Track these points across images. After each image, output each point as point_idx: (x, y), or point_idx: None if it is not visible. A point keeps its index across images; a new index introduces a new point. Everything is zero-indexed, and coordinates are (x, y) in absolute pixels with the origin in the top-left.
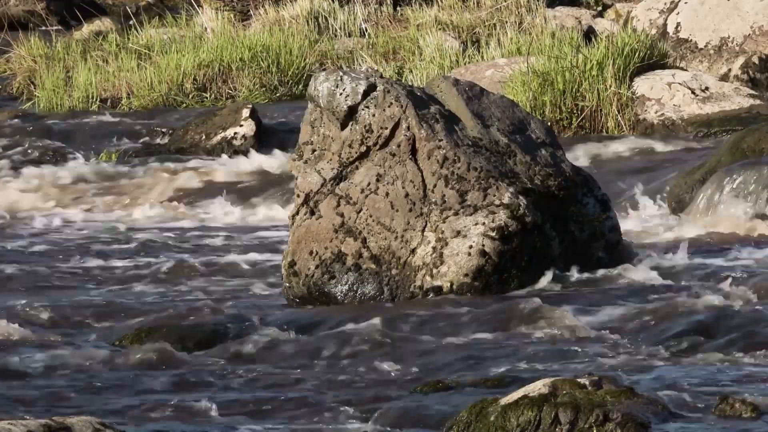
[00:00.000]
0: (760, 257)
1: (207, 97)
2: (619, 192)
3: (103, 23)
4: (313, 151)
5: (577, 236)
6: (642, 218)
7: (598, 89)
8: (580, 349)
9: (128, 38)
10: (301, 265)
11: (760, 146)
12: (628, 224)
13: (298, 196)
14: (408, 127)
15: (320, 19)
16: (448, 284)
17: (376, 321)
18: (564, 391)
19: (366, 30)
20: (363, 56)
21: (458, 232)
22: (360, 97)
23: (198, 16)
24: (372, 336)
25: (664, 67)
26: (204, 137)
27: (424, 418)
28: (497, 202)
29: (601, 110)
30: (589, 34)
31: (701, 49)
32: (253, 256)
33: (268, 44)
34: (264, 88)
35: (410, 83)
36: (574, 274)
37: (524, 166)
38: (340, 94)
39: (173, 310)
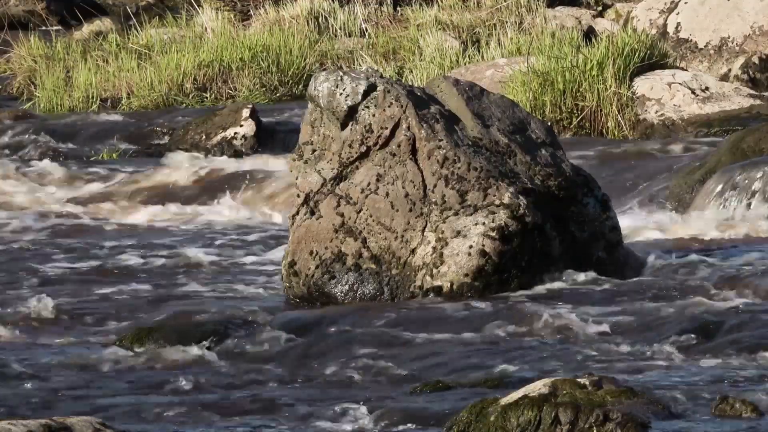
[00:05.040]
0: (760, 257)
1: (207, 97)
2: (620, 192)
3: (103, 23)
4: (313, 151)
5: (577, 236)
6: (642, 218)
7: (598, 89)
8: (580, 349)
9: (128, 38)
10: (301, 265)
11: (760, 146)
12: (629, 224)
13: (298, 196)
14: (408, 127)
15: (320, 19)
16: (448, 284)
17: (376, 321)
18: (564, 391)
19: (366, 30)
20: (363, 56)
21: (458, 232)
22: (360, 97)
23: (198, 16)
24: (372, 336)
25: (664, 67)
26: (204, 137)
27: (424, 418)
28: (497, 202)
29: (601, 110)
30: (589, 34)
31: (701, 49)
32: (253, 255)
33: (268, 44)
34: (264, 88)
35: (410, 83)
36: (575, 274)
37: (524, 166)
38: (340, 94)
39: (173, 310)
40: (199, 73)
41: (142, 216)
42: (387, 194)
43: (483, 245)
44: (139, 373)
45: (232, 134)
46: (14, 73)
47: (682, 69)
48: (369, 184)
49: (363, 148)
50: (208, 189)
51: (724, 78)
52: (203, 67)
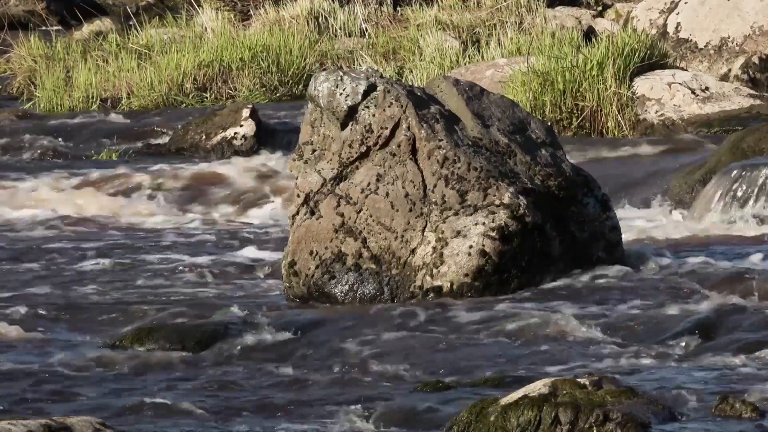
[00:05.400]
0: (760, 257)
1: (207, 97)
2: (620, 192)
3: (103, 23)
4: (313, 151)
5: (577, 236)
6: (642, 218)
7: (598, 89)
8: (580, 349)
9: (128, 38)
10: (301, 265)
11: (760, 146)
12: (629, 224)
13: (298, 196)
14: (408, 127)
15: (320, 19)
16: (448, 284)
17: (376, 321)
18: (564, 391)
19: (366, 30)
20: (363, 56)
21: (458, 232)
22: (360, 97)
23: (198, 16)
24: (372, 336)
25: (664, 67)
26: (204, 137)
27: (424, 418)
28: (497, 202)
29: (601, 110)
30: (589, 34)
31: (701, 49)
32: (253, 255)
33: (268, 44)
34: (264, 88)
35: (410, 83)
36: (575, 274)
37: (524, 166)
38: (341, 94)
39: (173, 310)
40: (199, 73)
41: (139, 216)
42: (387, 194)
43: (483, 245)
44: (139, 373)
45: (232, 134)
46: (14, 73)
47: (682, 69)
48: (369, 184)
49: (363, 148)
50: (207, 189)
51: (724, 78)
52: (203, 67)
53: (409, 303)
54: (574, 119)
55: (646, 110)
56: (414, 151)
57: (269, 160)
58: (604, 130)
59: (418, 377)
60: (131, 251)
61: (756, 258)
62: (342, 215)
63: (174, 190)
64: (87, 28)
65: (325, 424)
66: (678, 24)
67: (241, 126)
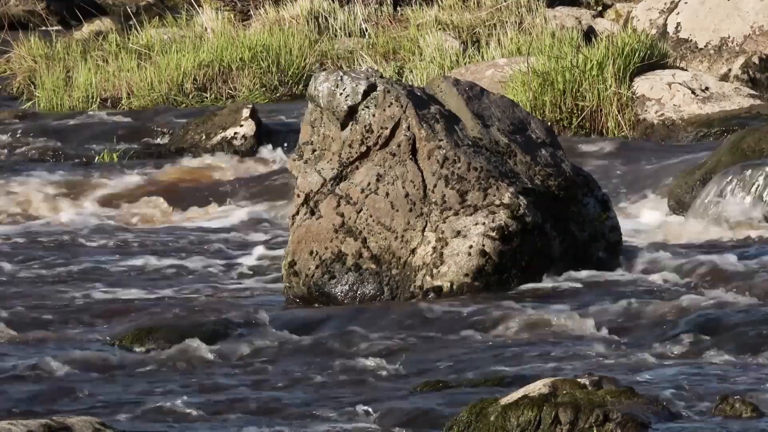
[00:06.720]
0: (760, 257)
1: (207, 97)
2: (620, 192)
3: (103, 23)
4: (313, 151)
5: (577, 236)
6: (642, 218)
7: (598, 89)
8: (580, 349)
9: (128, 38)
10: (301, 265)
11: (760, 146)
12: (629, 224)
13: (298, 196)
14: (408, 127)
15: (320, 19)
16: (449, 284)
17: (376, 321)
18: (564, 391)
19: (366, 30)
20: (363, 56)
21: (458, 232)
22: (360, 97)
23: (198, 16)
24: (372, 336)
25: (664, 67)
26: (204, 137)
27: (424, 418)
28: (497, 202)
29: (601, 110)
30: (589, 34)
31: (701, 49)
32: (253, 256)
33: (268, 44)
34: (264, 88)
35: (410, 83)
36: (575, 274)
37: (524, 166)
38: (341, 94)
39: (173, 310)
40: (199, 73)
41: (139, 216)
42: (387, 194)
43: (483, 245)
44: (139, 373)
45: (232, 134)
46: (14, 73)
47: (682, 69)
48: (369, 184)
49: (363, 148)
50: (207, 190)
51: (724, 78)
52: (203, 67)
53: (409, 303)
54: (574, 119)
55: (646, 110)
56: (414, 151)
57: (269, 160)
58: (604, 130)
59: (418, 377)
60: (130, 251)
61: (755, 257)
62: (342, 215)
63: (173, 190)
64: (87, 28)
65: (325, 424)
66: (678, 24)
67: (241, 126)
